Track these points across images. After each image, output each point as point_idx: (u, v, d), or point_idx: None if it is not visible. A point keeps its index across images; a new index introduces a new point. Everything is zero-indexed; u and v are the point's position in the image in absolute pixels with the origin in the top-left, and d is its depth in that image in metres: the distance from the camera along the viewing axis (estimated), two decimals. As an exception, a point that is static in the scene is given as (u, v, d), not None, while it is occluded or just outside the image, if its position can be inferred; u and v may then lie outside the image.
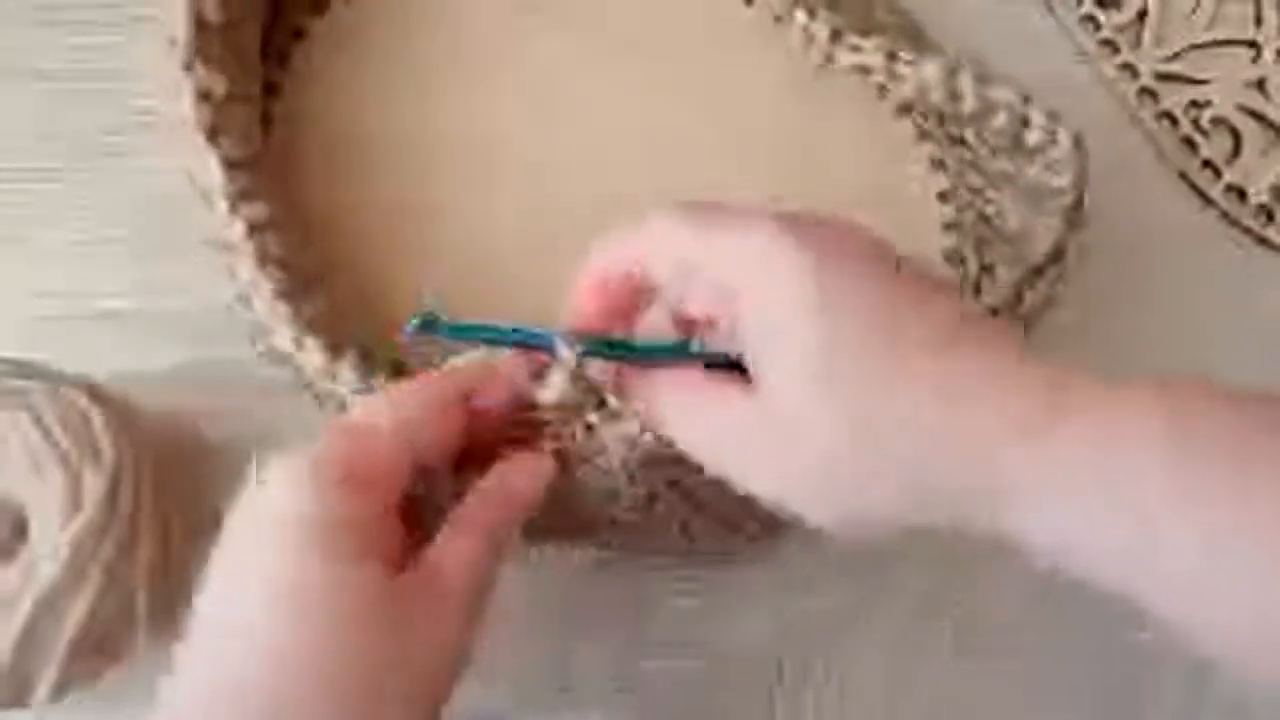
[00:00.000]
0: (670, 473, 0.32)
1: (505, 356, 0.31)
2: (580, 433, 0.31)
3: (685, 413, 0.29)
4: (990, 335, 0.27)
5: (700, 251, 0.28)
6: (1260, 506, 0.22)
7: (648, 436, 0.31)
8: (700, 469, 0.30)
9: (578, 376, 0.30)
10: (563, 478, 0.32)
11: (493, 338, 0.30)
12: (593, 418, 0.31)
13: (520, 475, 0.31)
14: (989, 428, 0.25)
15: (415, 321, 0.29)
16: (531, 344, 0.30)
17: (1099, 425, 0.24)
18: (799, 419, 0.26)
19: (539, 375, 0.30)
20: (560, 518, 0.36)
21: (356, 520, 0.27)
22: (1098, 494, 0.24)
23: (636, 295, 0.30)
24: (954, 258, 0.41)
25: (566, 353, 0.29)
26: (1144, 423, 0.24)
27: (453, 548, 0.29)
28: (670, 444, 0.31)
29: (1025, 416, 0.25)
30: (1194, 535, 0.23)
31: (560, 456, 0.31)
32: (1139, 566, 0.24)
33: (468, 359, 0.31)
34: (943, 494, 0.26)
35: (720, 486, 0.34)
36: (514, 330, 0.30)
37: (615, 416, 0.31)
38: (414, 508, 0.30)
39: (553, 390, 0.30)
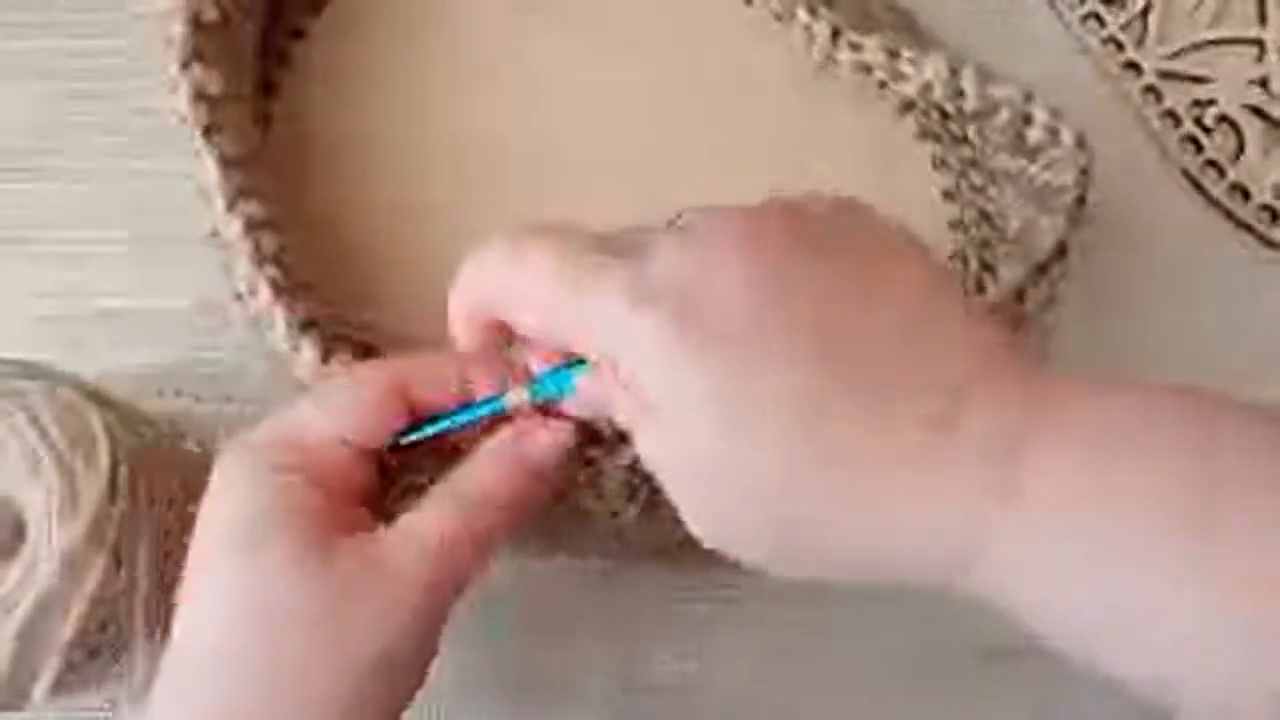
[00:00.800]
0: None
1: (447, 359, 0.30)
2: (580, 468, 0.31)
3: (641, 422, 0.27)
4: (926, 385, 0.23)
5: (551, 321, 0.27)
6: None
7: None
8: None
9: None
10: (564, 509, 0.32)
11: (448, 428, 0.29)
12: (594, 452, 0.30)
13: (539, 445, 0.28)
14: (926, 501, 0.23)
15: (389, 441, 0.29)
16: (487, 415, 0.29)
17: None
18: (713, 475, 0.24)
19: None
20: (564, 537, 0.36)
21: (295, 506, 0.26)
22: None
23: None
24: (956, 256, 0.41)
25: (517, 400, 0.28)
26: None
27: (419, 522, 0.27)
28: None
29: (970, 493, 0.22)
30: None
31: (560, 494, 0.31)
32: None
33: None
34: (895, 555, 0.24)
35: None
36: (465, 409, 0.29)
37: (614, 448, 0.31)
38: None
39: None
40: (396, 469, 0.30)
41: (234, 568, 0.26)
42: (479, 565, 0.27)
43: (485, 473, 0.28)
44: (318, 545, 0.26)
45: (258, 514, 0.26)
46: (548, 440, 0.29)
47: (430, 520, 0.27)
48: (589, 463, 0.31)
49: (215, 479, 0.27)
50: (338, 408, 0.28)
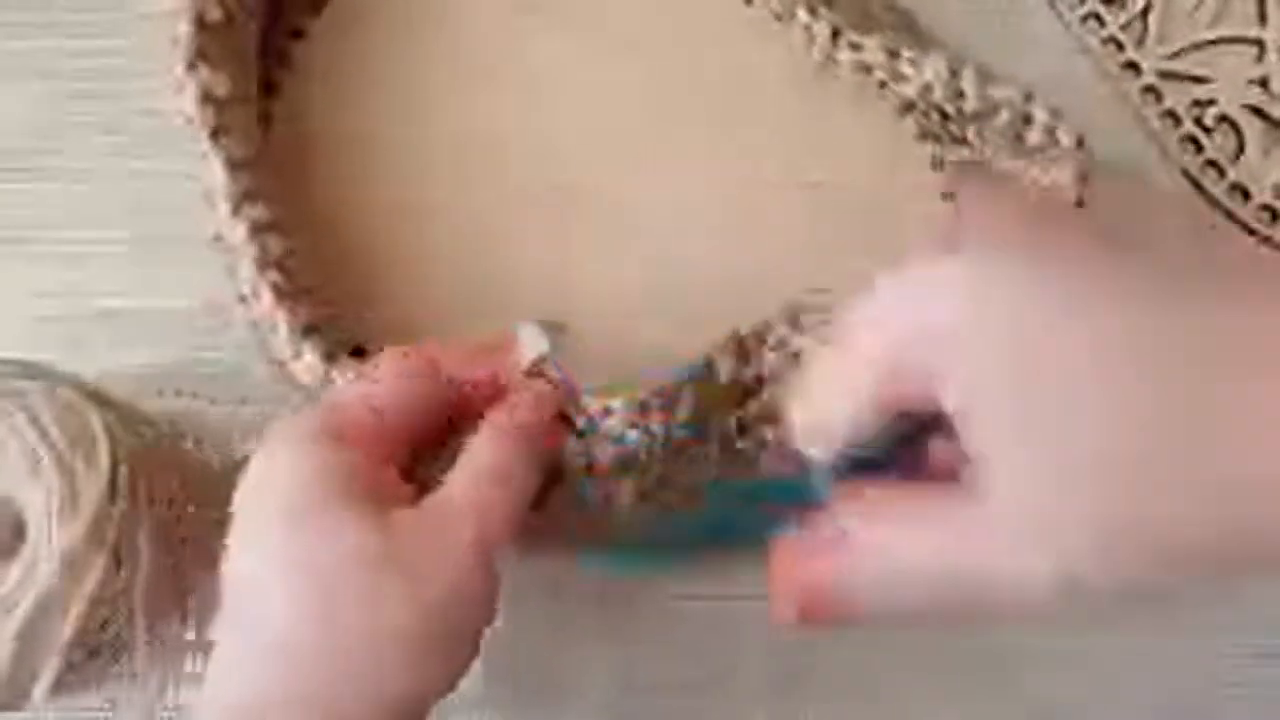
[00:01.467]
0: (665, 470, 0.33)
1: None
2: (572, 443, 0.32)
3: (909, 525, 0.24)
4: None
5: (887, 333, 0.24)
6: None
7: (634, 436, 0.31)
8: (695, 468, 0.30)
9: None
10: (560, 491, 0.32)
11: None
12: (580, 423, 0.31)
13: (524, 407, 0.31)
14: None
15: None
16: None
17: None
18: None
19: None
20: (563, 531, 0.36)
21: (340, 466, 0.27)
22: None
23: None
24: (956, 257, 0.41)
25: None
26: None
27: (451, 490, 0.29)
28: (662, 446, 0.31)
29: None
30: None
31: (556, 471, 0.32)
32: None
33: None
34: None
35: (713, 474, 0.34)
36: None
37: (607, 434, 0.31)
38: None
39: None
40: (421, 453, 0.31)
41: (282, 537, 0.27)
42: (511, 526, 0.29)
43: (491, 444, 0.30)
44: (366, 512, 0.27)
45: (303, 482, 0.27)
46: (534, 402, 0.31)
47: (459, 489, 0.29)
48: (579, 435, 0.32)
49: (257, 456, 0.28)
50: (369, 376, 0.30)
